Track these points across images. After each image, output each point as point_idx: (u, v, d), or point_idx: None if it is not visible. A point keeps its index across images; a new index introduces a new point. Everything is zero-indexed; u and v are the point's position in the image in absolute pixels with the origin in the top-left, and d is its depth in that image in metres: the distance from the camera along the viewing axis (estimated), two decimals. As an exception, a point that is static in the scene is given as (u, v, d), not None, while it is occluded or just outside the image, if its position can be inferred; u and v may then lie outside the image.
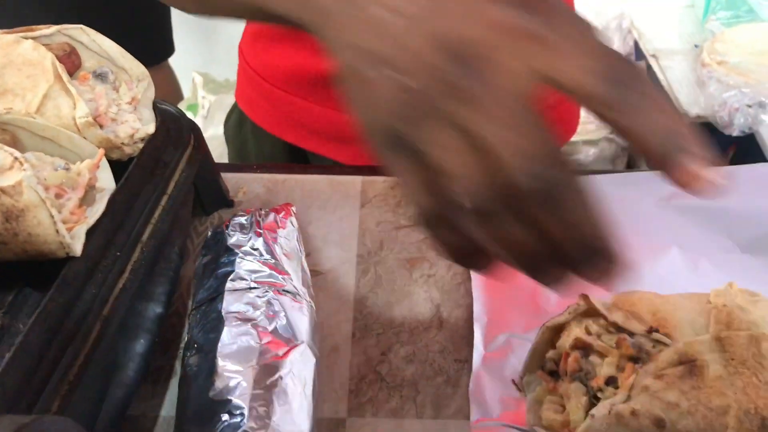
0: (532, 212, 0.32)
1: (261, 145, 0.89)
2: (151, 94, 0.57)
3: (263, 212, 0.56)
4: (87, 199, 0.48)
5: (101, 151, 0.50)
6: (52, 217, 0.42)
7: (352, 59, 0.33)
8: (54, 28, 0.54)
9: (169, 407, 0.52)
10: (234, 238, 0.54)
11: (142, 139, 0.53)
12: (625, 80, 0.32)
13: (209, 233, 0.56)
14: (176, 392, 0.52)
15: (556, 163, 0.31)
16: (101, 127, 0.51)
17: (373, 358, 0.55)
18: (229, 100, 2.11)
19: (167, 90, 1.84)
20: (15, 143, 0.48)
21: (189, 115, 1.77)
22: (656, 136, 0.32)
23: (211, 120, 1.94)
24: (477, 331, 0.57)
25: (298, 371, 0.47)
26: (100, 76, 0.55)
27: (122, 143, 0.52)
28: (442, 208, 0.34)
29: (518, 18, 0.32)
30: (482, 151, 0.31)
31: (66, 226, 0.43)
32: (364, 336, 0.57)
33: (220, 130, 2.00)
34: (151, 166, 0.53)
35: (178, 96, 1.96)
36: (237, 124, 0.95)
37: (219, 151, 2.03)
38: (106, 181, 0.50)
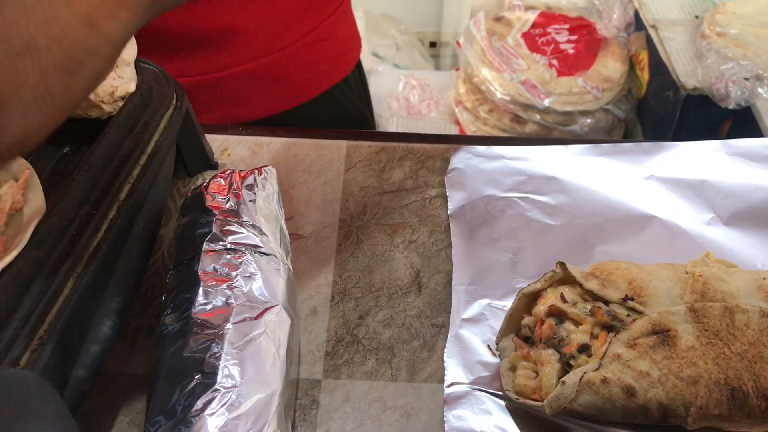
0: None
1: None
2: (134, 52, 0.57)
3: (243, 173, 0.55)
4: (11, 226, 0.42)
5: (26, 171, 0.44)
6: None
7: None
8: None
9: (146, 366, 0.52)
10: (213, 200, 0.53)
11: (123, 98, 0.52)
12: None
13: (188, 194, 0.56)
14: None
15: None
16: None
17: (351, 321, 0.56)
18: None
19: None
20: None
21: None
22: None
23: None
24: (455, 297, 0.57)
25: (272, 332, 0.47)
26: None
27: (101, 101, 0.51)
28: None
29: None
30: None
31: None
32: (343, 299, 0.57)
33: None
34: (130, 125, 0.53)
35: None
36: None
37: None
38: (36, 204, 0.43)
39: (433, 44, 2.22)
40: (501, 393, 0.51)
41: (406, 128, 1.53)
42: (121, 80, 0.54)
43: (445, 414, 0.50)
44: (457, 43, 1.61)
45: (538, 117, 1.42)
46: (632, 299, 0.50)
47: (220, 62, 0.76)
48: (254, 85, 0.79)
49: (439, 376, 0.52)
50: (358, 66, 0.92)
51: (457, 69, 1.66)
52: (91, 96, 0.50)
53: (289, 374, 0.47)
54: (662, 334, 0.48)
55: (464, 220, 0.63)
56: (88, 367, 0.45)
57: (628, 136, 1.53)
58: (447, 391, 0.51)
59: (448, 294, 0.58)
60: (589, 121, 1.42)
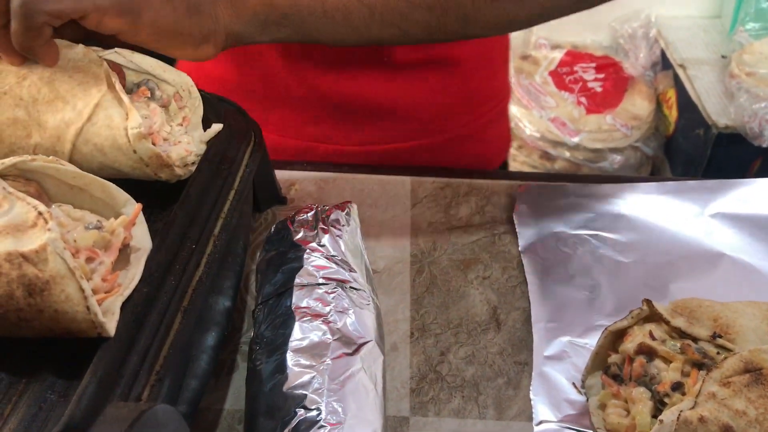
0: None
1: None
2: (201, 112, 0.56)
3: (326, 209, 0.56)
4: (120, 261, 0.42)
5: (138, 206, 0.45)
6: (83, 291, 0.36)
7: None
8: (82, 48, 0.51)
9: (232, 400, 0.52)
10: (300, 234, 0.54)
11: (194, 163, 0.52)
12: None
13: (272, 229, 0.56)
14: (238, 386, 0.52)
15: None
16: (154, 145, 0.49)
17: (433, 358, 0.56)
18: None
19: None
20: (40, 194, 0.43)
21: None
22: None
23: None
24: (536, 334, 0.57)
25: (369, 368, 0.47)
26: (150, 92, 0.54)
27: (174, 164, 0.50)
28: None
29: None
30: None
31: (97, 297, 0.38)
32: (423, 335, 0.57)
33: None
34: (217, 161, 0.54)
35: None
36: None
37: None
38: (142, 240, 0.44)
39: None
40: (591, 431, 0.51)
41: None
42: (194, 145, 0.53)
43: (538, 453, 0.49)
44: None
45: (567, 154, 1.44)
46: (721, 336, 0.50)
47: (371, 136, 0.77)
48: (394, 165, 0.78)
49: (526, 414, 0.52)
50: (503, 166, 0.92)
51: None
52: (163, 155, 0.49)
53: (385, 411, 0.47)
54: (755, 373, 0.48)
55: (536, 258, 0.63)
56: (189, 403, 0.45)
57: (655, 173, 1.54)
58: (536, 429, 0.51)
59: (527, 331, 0.58)
60: (618, 158, 1.44)
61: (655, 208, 0.67)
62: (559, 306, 0.59)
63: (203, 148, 0.53)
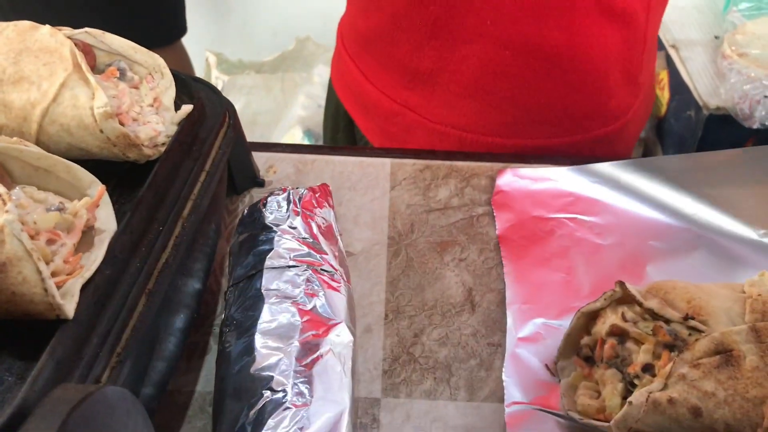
0: None
1: (353, 136, 0.90)
2: (173, 93, 0.55)
3: (300, 191, 0.55)
4: (83, 243, 0.42)
5: (102, 188, 0.44)
6: (40, 272, 0.36)
7: None
8: (48, 29, 0.50)
9: (203, 383, 0.52)
10: (272, 216, 0.53)
11: (164, 144, 0.51)
12: None
13: (245, 211, 0.56)
14: (210, 368, 0.52)
15: None
16: (122, 125, 0.48)
17: (406, 340, 0.56)
18: (242, 80, 2.11)
19: (180, 70, 1.83)
20: (2, 176, 0.42)
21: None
22: None
23: (223, 100, 1.93)
24: (510, 316, 0.57)
25: (338, 350, 0.47)
26: (120, 72, 0.53)
27: (143, 144, 0.50)
28: None
29: None
30: None
31: (57, 279, 0.38)
32: (397, 317, 0.57)
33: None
34: (189, 142, 0.53)
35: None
36: (334, 108, 0.95)
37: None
38: (107, 221, 0.44)
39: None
40: (562, 413, 0.51)
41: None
42: (164, 126, 0.52)
43: (507, 434, 0.49)
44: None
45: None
46: (693, 318, 0.50)
47: (454, 120, 0.76)
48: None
49: (498, 395, 0.52)
50: None
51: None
52: (131, 135, 0.48)
53: (354, 392, 0.47)
54: (725, 354, 0.48)
55: (513, 240, 0.63)
56: (155, 385, 0.45)
57: (647, 155, 1.53)
58: (508, 410, 0.51)
59: (501, 313, 0.57)
60: (609, 140, 1.42)
61: (636, 189, 0.67)
62: (535, 288, 0.59)
63: (174, 128, 0.53)
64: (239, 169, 0.64)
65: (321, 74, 1.78)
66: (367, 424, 0.50)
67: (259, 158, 0.69)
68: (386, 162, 0.70)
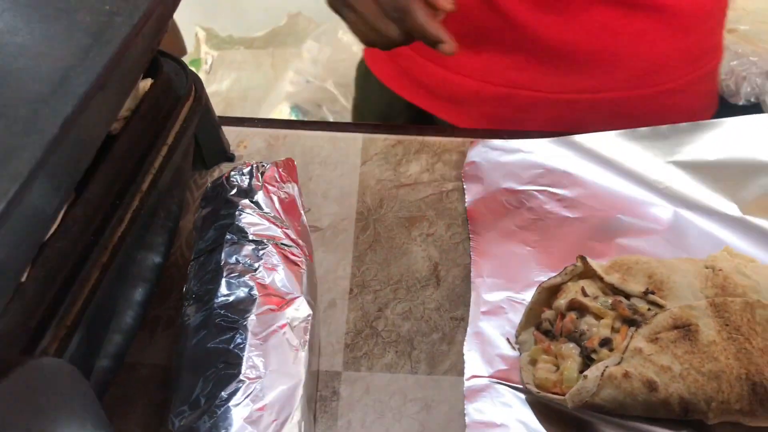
0: None
1: (381, 101, 0.89)
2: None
3: (264, 165, 0.55)
4: None
5: None
6: None
7: None
8: None
9: (166, 356, 0.52)
10: (234, 191, 0.53)
11: (126, 118, 0.51)
12: None
13: (209, 185, 0.56)
14: (173, 341, 0.53)
15: None
16: None
17: (370, 314, 0.56)
18: (232, 56, 2.09)
19: (171, 45, 1.82)
20: None
21: (191, 69, 1.67)
22: None
23: (213, 75, 1.93)
24: (474, 290, 0.57)
25: (295, 324, 0.47)
26: None
27: None
28: None
29: None
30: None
31: None
32: (362, 292, 0.57)
33: (223, 86, 1.99)
34: (150, 117, 0.53)
35: (182, 51, 1.95)
36: (363, 77, 0.94)
37: (221, 107, 2.02)
38: None
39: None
40: (521, 386, 0.51)
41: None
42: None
43: (465, 407, 0.50)
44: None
45: (546, 112, 1.42)
46: (653, 293, 0.50)
47: (578, 84, 0.75)
48: (597, 116, 0.76)
49: (458, 369, 0.52)
50: None
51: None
52: None
53: (311, 366, 0.47)
54: (683, 329, 0.48)
55: (482, 213, 0.63)
56: (111, 357, 0.45)
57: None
58: (467, 384, 0.51)
59: (466, 287, 0.58)
60: (597, 116, 1.42)
61: (609, 161, 0.66)
62: (500, 262, 0.59)
63: (134, 103, 0.52)
64: (208, 143, 0.64)
65: (310, 50, 1.76)
66: (327, 397, 0.51)
67: (230, 133, 0.69)
68: (358, 137, 0.70)
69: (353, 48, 1.76)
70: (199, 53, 1.94)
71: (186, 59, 1.94)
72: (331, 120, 1.61)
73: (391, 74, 0.86)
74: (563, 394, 0.48)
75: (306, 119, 1.58)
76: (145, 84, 0.54)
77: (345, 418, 0.49)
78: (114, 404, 0.50)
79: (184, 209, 0.62)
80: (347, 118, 1.76)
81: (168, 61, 0.60)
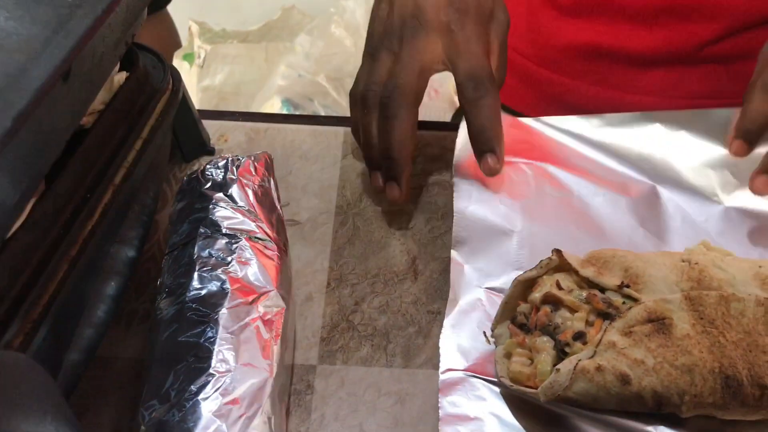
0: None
1: None
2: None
3: (239, 159, 0.55)
4: None
5: None
6: None
7: None
8: None
9: (140, 350, 0.52)
10: (208, 185, 0.53)
11: (101, 112, 0.51)
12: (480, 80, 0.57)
13: (185, 179, 0.56)
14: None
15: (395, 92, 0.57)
16: None
17: (347, 308, 0.56)
18: (225, 50, 2.09)
19: (166, 39, 1.82)
20: None
21: (185, 65, 1.78)
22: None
23: (206, 70, 1.92)
24: (452, 284, 0.57)
25: (267, 318, 0.47)
26: None
27: None
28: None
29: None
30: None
31: None
32: (339, 286, 0.57)
33: (216, 80, 1.99)
34: (126, 109, 0.53)
35: (176, 44, 1.94)
36: None
37: (215, 101, 2.02)
38: None
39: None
40: (496, 380, 0.51)
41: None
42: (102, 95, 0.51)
43: (439, 400, 0.50)
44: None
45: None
46: (628, 286, 0.50)
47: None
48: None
49: (434, 362, 0.52)
50: None
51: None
52: None
53: (284, 360, 0.47)
54: (658, 322, 0.48)
55: (467, 206, 0.61)
56: (81, 351, 0.45)
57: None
58: (442, 377, 0.51)
59: (444, 281, 0.57)
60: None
61: (601, 145, 0.66)
62: (479, 257, 0.59)
63: (108, 96, 0.52)
64: (187, 137, 0.64)
65: (302, 44, 1.76)
66: (301, 391, 0.51)
67: (211, 126, 0.69)
68: (339, 131, 0.70)
69: (345, 42, 1.75)
70: (192, 47, 1.93)
71: (179, 53, 1.93)
72: (323, 114, 1.61)
73: (531, 102, 0.84)
74: (536, 388, 0.48)
75: (297, 113, 1.58)
76: (121, 77, 0.54)
77: (318, 411, 0.49)
78: (89, 397, 0.50)
79: (162, 202, 0.62)
80: (339, 112, 1.76)
81: (146, 54, 0.60)
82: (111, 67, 0.50)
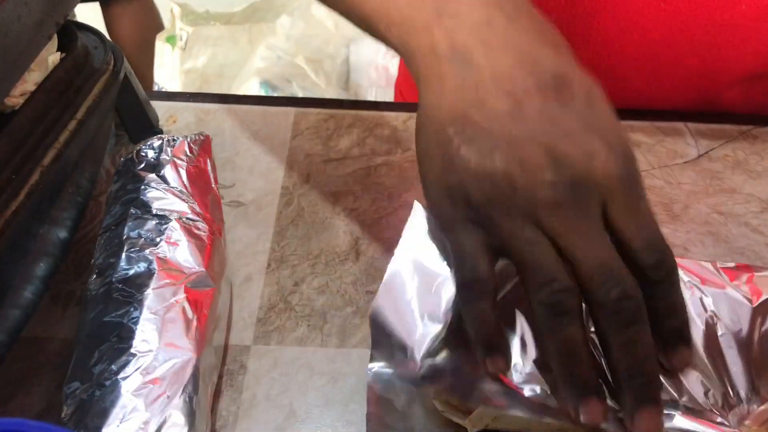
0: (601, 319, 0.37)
1: None
2: (53, 43, 0.54)
3: (175, 140, 0.55)
4: None
5: None
6: None
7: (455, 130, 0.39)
8: None
9: (75, 330, 0.52)
10: (142, 165, 0.53)
11: (22, 94, 0.50)
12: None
13: (121, 160, 0.56)
14: (85, 316, 0.53)
15: (628, 281, 0.36)
16: None
17: (285, 289, 0.56)
18: (208, 32, 2.07)
19: (148, 21, 1.81)
20: None
21: (167, 47, 1.78)
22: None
23: (188, 52, 1.92)
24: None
25: (194, 299, 0.47)
26: None
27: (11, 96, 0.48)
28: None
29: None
30: (566, 258, 0.37)
31: None
32: (279, 267, 0.57)
33: (199, 62, 1.98)
34: (59, 90, 0.53)
35: (159, 27, 1.93)
36: None
37: (198, 83, 2.00)
38: None
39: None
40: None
41: (384, 98, 1.52)
42: (28, 73, 0.51)
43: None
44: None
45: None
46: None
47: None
48: None
49: (368, 342, 0.52)
50: None
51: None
52: None
53: (213, 340, 0.47)
54: None
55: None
56: (5, 331, 0.45)
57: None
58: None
59: (385, 261, 0.57)
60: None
61: None
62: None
63: (42, 77, 0.52)
64: (132, 118, 0.64)
65: (284, 25, 1.75)
66: (234, 371, 0.51)
67: (161, 108, 0.68)
68: (290, 111, 0.70)
69: (326, 23, 1.74)
70: (174, 30, 1.93)
71: (161, 36, 1.92)
72: (300, 96, 1.60)
73: None
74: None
75: (275, 95, 1.57)
76: (56, 57, 0.54)
77: (250, 391, 0.50)
78: (21, 379, 0.50)
79: (107, 184, 0.61)
80: (317, 93, 1.75)
81: (87, 33, 0.59)
82: (38, 48, 0.49)
